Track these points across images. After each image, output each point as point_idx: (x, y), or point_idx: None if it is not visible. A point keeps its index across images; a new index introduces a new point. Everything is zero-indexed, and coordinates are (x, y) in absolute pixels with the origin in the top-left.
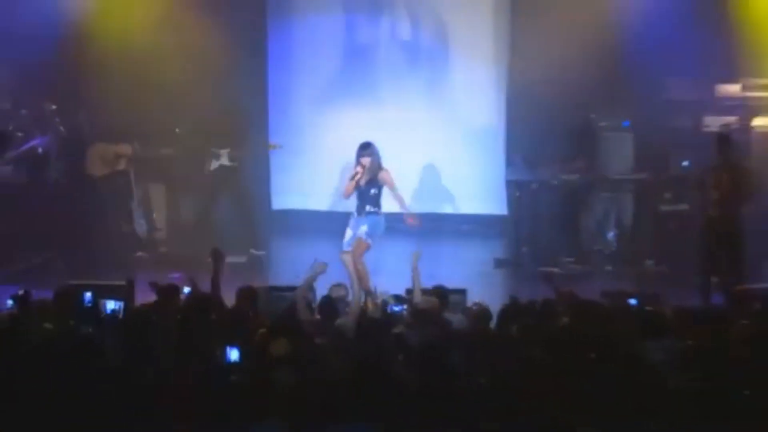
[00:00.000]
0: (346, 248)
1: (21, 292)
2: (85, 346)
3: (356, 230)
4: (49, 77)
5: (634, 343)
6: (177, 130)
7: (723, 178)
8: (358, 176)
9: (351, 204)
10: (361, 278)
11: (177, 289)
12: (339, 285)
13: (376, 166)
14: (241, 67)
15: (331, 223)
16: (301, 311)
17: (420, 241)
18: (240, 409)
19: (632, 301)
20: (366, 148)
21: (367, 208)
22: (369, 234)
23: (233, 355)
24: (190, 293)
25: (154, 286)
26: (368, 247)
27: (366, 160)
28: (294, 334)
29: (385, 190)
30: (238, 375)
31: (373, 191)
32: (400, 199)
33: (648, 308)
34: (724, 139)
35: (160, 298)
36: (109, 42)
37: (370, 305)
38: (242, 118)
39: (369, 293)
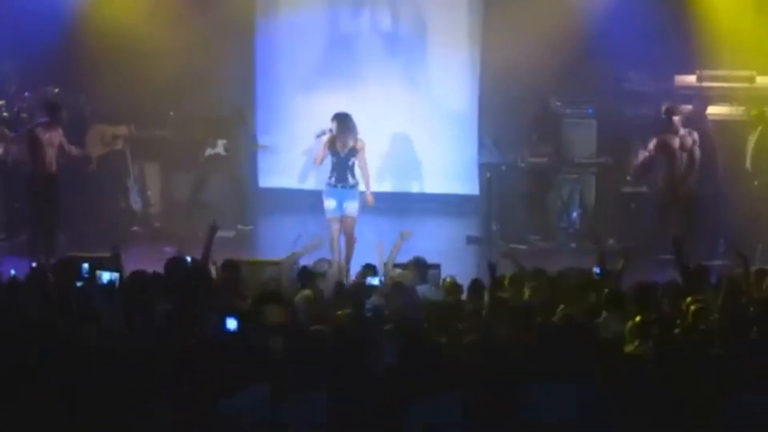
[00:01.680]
0: (332, 215)
1: (34, 265)
2: (83, 313)
3: (342, 202)
4: (51, 62)
5: (594, 315)
6: (171, 113)
7: (673, 144)
8: (327, 136)
9: None
10: (351, 250)
11: (183, 262)
12: (323, 260)
13: (354, 136)
14: (230, 56)
15: (315, 200)
16: (284, 281)
17: (397, 218)
18: (231, 374)
19: (596, 270)
20: (338, 115)
21: (350, 180)
22: (359, 210)
23: (231, 324)
24: (191, 262)
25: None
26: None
27: (333, 125)
28: (279, 303)
29: None
30: (232, 342)
31: (351, 161)
32: (366, 176)
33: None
34: (670, 110)
35: (167, 271)
36: (108, 30)
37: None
38: (232, 104)
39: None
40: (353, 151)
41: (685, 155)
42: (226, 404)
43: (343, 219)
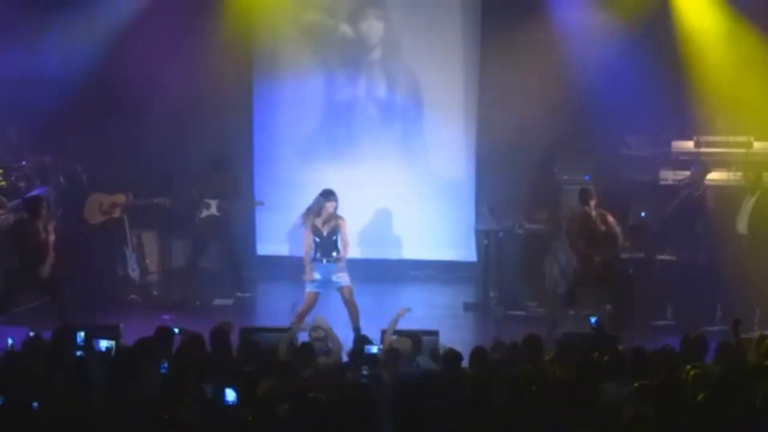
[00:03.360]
0: (312, 288)
1: (32, 335)
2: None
3: (330, 276)
4: (49, 131)
5: (592, 383)
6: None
7: (583, 225)
8: (324, 220)
9: None
10: (357, 317)
11: (171, 332)
12: (317, 328)
13: (336, 215)
14: (228, 124)
15: None
16: (282, 351)
17: (393, 286)
18: None
19: (592, 320)
20: (331, 195)
21: (334, 254)
22: (350, 278)
23: (230, 396)
24: (180, 332)
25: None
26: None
27: (332, 205)
28: (279, 373)
29: None
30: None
31: (335, 237)
32: (346, 247)
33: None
34: (584, 192)
35: (157, 338)
36: (107, 99)
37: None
38: (229, 170)
39: (357, 330)
40: (335, 230)
41: (600, 236)
42: None
43: (340, 290)
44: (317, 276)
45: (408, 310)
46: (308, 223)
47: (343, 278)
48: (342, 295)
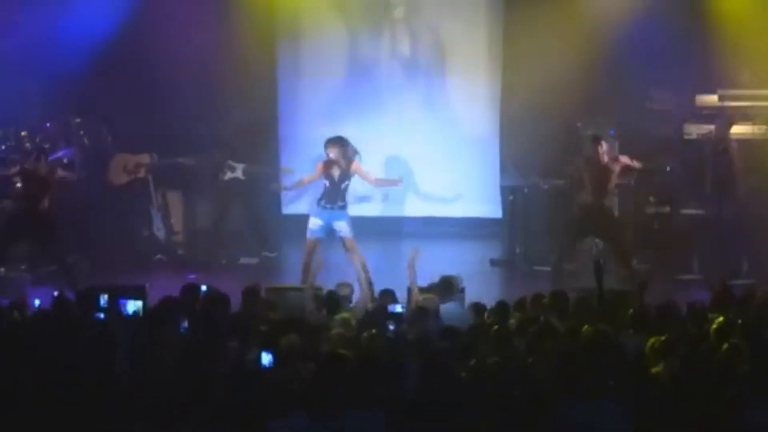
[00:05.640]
0: (313, 235)
1: (56, 294)
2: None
3: (330, 223)
4: (73, 91)
5: (617, 335)
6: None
7: (594, 171)
8: (333, 169)
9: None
10: (365, 271)
11: (198, 288)
12: (345, 284)
13: (349, 158)
14: (252, 82)
15: None
16: (308, 308)
17: (419, 243)
18: (261, 403)
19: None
20: (333, 141)
21: (339, 202)
22: (351, 230)
23: (266, 359)
24: (206, 291)
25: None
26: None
27: (331, 151)
28: (303, 330)
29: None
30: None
31: (344, 184)
32: (380, 182)
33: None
34: (596, 139)
35: (183, 295)
36: (131, 59)
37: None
38: (254, 132)
39: (370, 284)
40: (347, 175)
41: (603, 179)
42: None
43: (342, 241)
44: (319, 222)
45: (417, 250)
46: (319, 167)
47: (343, 228)
48: (344, 246)
